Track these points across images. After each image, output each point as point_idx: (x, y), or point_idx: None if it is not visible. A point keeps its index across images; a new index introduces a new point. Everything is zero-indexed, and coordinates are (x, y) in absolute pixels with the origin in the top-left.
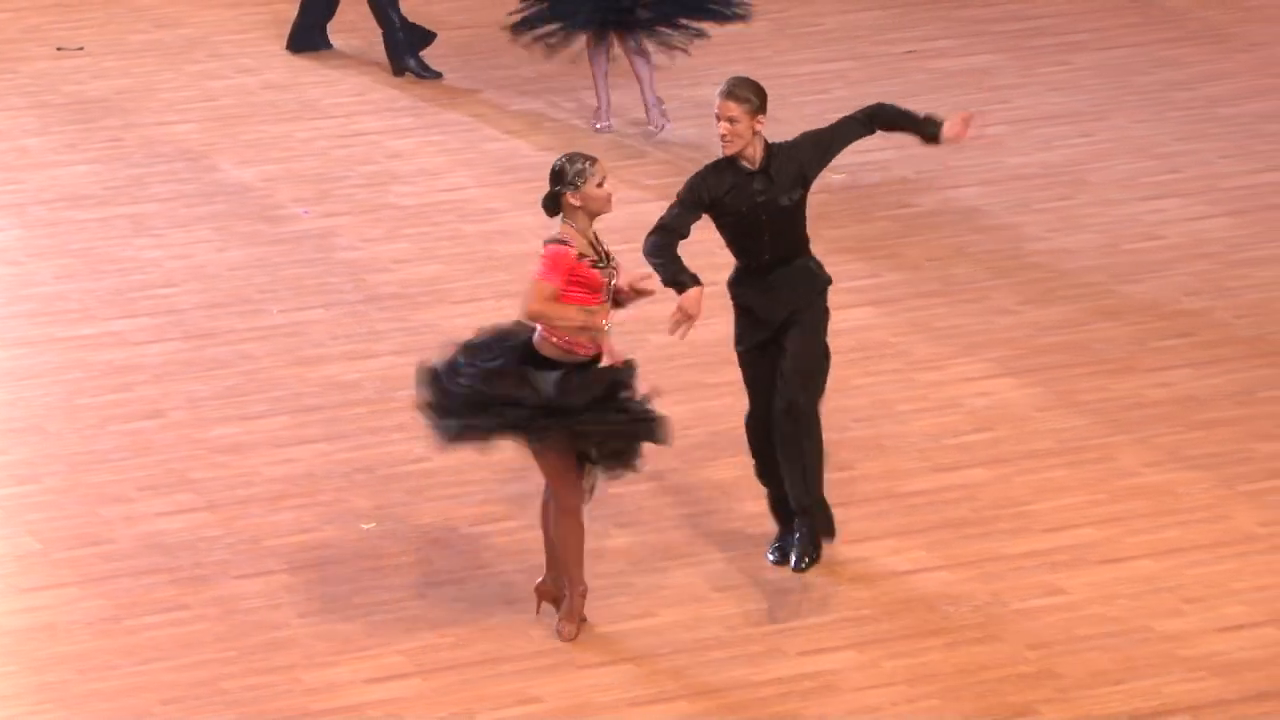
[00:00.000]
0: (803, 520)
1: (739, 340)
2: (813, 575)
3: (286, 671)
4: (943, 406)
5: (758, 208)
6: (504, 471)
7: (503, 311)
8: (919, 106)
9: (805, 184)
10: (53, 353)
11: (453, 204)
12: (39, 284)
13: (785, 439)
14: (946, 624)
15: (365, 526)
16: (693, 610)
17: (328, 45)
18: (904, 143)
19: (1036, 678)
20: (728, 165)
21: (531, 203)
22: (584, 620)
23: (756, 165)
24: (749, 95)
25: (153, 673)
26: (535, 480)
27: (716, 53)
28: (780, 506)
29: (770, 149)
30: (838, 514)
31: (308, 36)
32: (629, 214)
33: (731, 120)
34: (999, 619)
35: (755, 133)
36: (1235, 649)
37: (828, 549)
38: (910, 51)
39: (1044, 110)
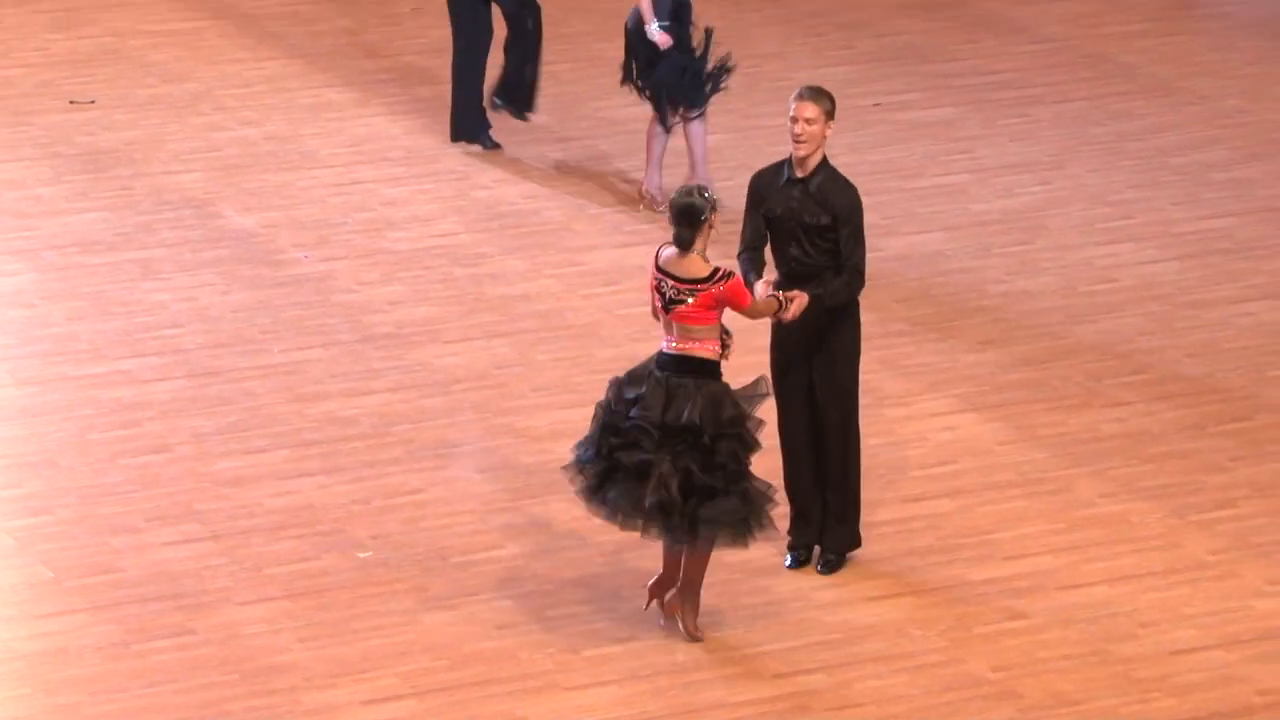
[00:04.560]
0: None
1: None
2: (785, 600)
3: (287, 694)
4: (909, 440)
5: (791, 213)
6: (493, 503)
7: (492, 350)
8: (888, 156)
9: (835, 220)
10: (64, 390)
11: (444, 249)
12: (52, 325)
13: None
14: (914, 647)
15: (362, 555)
16: (673, 634)
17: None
18: (872, 189)
19: (999, 698)
20: (782, 166)
21: (519, 247)
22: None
23: (804, 174)
24: (826, 100)
25: (160, 695)
26: (524, 511)
27: None
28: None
29: (823, 168)
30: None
31: (468, 124)
32: (613, 258)
33: (809, 120)
34: (963, 642)
35: (824, 138)
36: (1187, 671)
37: (798, 576)
38: (878, 104)
39: (1004, 160)
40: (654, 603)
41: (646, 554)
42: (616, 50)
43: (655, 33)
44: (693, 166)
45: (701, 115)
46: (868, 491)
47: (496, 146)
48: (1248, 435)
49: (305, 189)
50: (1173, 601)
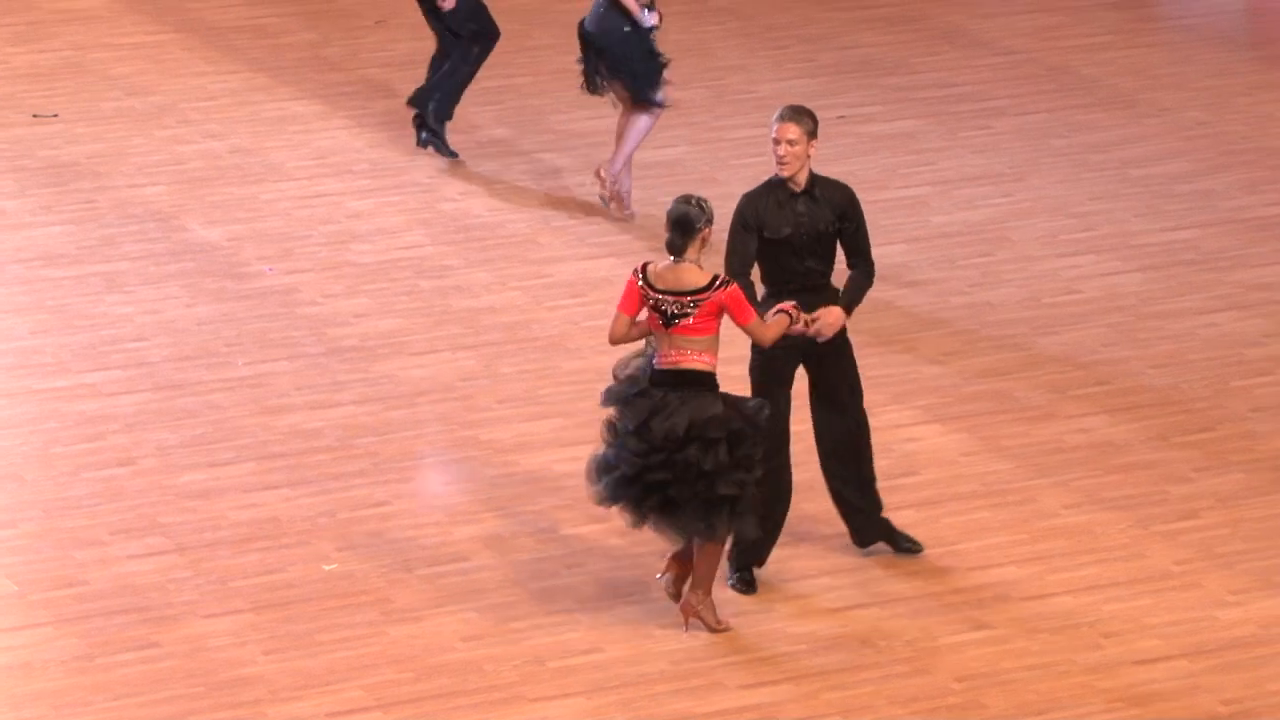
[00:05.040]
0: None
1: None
2: (752, 612)
3: (252, 706)
4: (874, 451)
5: (802, 227)
6: (458, 515)
7: (457, 362)
8: (850, 168)
9: (842, 219)
10: (29, 404)
11: (410, 261)
12: (16, 339)
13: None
14: (879, 658)
15: (327, 567)
16: (638, 646)
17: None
18: None
19: (964, 709)
20: (774, 187)
21: (485, 260)
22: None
23: (801, 188)
24: (807, 119)
25: (125, 709)
26: (489, 523)
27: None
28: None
29: (814, 177)
30: (779, 554)
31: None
32: (579, 270)
33: (791, 142)
34: (928, 653)
35: (809, 157)
36: (1151, 681)
37: (765, 588)
38: (841, 117)
39: (967, 172)
40: (669, 575)
41: (611, 564)
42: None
43: (649, 17)
44: (618, 152)
45: (656, 107)
46: (830, 504)
47: (454, 155)
48: (1211, 446)
49: (270, 202)
50: (1136, 612)
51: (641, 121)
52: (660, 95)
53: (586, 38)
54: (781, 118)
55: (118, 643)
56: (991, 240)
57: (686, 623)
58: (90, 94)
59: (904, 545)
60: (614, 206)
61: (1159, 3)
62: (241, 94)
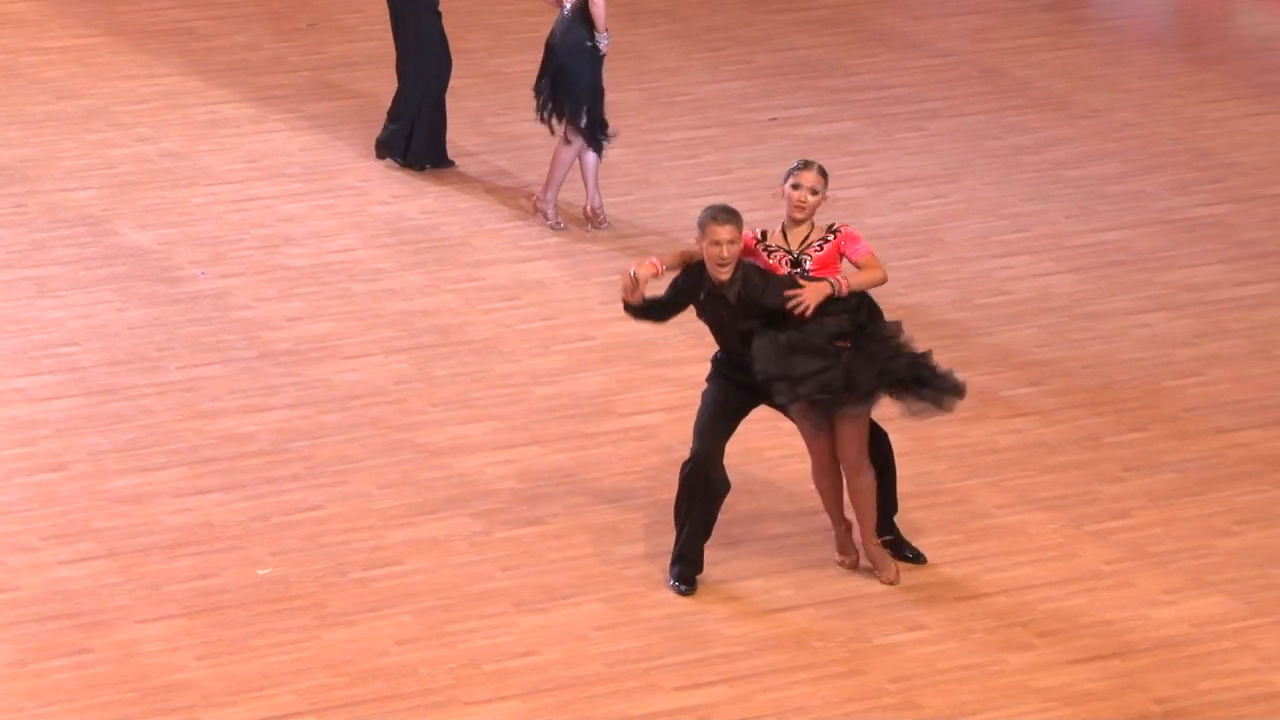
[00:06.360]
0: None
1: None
2: (687, 613)
3: (186, 712)
4: (807, 453)
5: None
6: (393, 518)
7: (391, 366)
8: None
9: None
10: None
11: (342, 264)
12: None
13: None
14: (814, 659)
15: (261, 572)
16: (574, 648)
17: (448, 163)
18: (770, 203)
19: (899, 709)
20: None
21: (417, 263)
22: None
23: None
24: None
25: (58, 714)
26: (424, 526)
27: None
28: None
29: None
30: (715, 555)
31: (426, 150)
32: (512, 273)
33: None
34: (863, 654)
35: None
36: (1084, 680)
37: (700, 590)
38: (774, 119)
39: (901, 173)
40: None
41: (547, 567)
42: (514, 65)
43: (605, 42)
44: (593, 186)
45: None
46: (767, 503)
47: (451, 164)
48: (1143, 446)
49: (202, 205)
50: (1070, 611)
51: (565, 153)
52: (596, 135)
53: (549, 52)
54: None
55: (50, 648)
56: (925, 242)
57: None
58: (19, 98)
59: (907, 554)
60: (590, 225)
61: (1090, 4)
62: (173, 97)
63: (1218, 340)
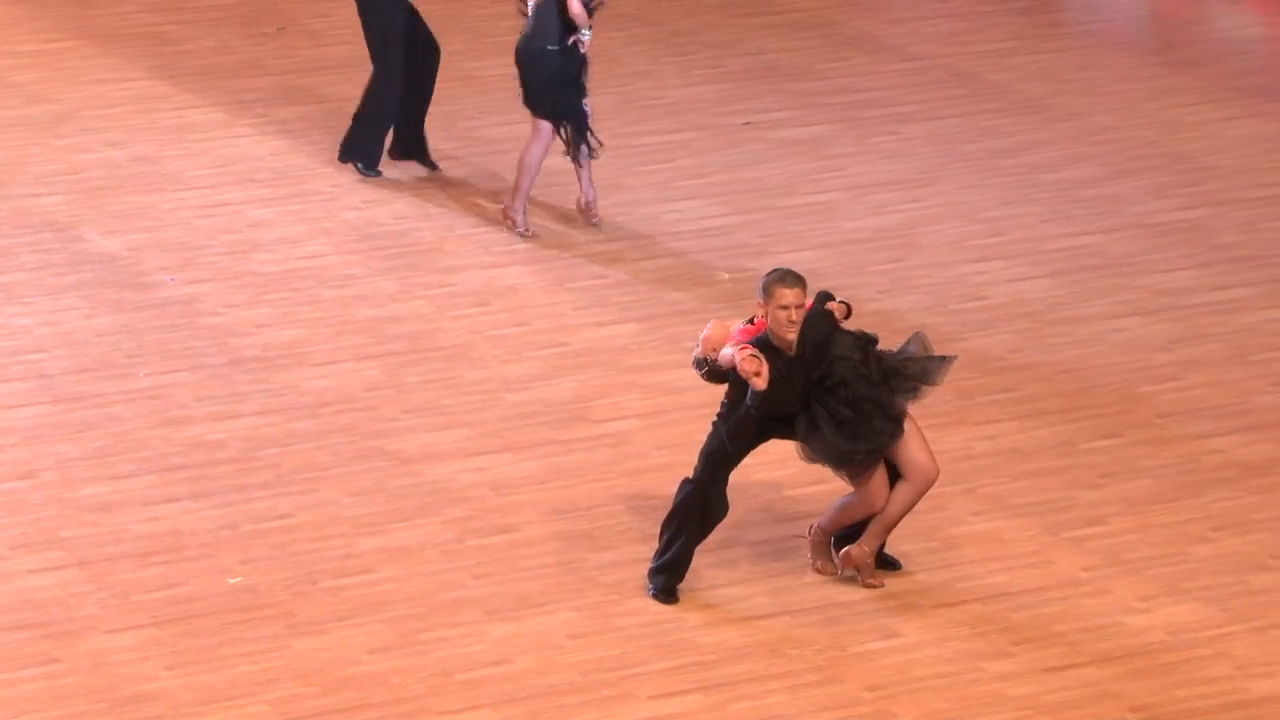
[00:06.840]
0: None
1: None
2: (662, 621)
3: None
4: (783, 459)
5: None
6: (363, 526)
7: (360, 373)
8: (759, 174)
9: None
10: None
11: (312, 270)
12: None
13: None
14: (789, 667)
15: (231, 581)
16: (547, 657)
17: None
18: (745, 208)
19: (875, 717)
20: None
21: (387, 269)
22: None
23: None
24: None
25: None
26: (395, 534)
27: None
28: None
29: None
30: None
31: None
32: (483, 279)
33: (799, 307)
34: (838, 662)
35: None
36: (1060, 688)
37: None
38: (748, 123)
39: (876, 177)
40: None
41: (519, 575)
42: (489, 69)
43: (586, 39)
44: (588, 181)
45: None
46: (743, 511)
47: (435, 167)
48: (1118, 452)
49: (170, 211)
50: (1045, 619)
51: (529, 159)
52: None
53: (517, 65)
54: (795, 282)
55: (19, 658)
56: (901, 246)
57: (841, 570)
58: None
59: (885, 561)
60: (583, 217)
61: (1065, 8)
62: (142, 102)
63: (1194, 345)
